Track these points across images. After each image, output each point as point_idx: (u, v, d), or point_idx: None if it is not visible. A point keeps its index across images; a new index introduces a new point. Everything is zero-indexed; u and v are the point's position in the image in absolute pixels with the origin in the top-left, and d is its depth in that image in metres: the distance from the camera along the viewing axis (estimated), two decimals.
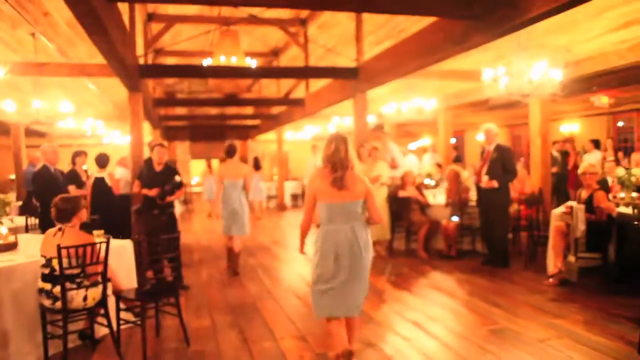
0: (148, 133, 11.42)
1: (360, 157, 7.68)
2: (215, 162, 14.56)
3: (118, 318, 3.85)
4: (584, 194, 5.35)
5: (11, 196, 10.42)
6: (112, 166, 7.81)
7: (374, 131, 10.61)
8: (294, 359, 3.70)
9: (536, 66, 6.68)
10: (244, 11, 7.63)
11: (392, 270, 6.42)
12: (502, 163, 6.34)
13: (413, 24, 7.25)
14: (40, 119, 8.24)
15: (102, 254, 3.59)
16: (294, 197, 16.02)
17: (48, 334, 3.59)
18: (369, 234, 3.39)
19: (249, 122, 16.86)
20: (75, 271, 3.43)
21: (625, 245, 4.93)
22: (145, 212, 5.67)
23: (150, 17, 9.10)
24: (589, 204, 5.16)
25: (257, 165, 13.05)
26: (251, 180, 6.85)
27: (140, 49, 7.83)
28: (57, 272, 3.37)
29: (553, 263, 5.38)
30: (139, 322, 3.81)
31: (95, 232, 4.25)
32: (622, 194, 5.54)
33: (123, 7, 5.95)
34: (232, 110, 15.87)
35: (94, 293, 3.55)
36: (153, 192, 5.53)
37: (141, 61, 7.31)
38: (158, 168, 5.67)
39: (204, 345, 4.00)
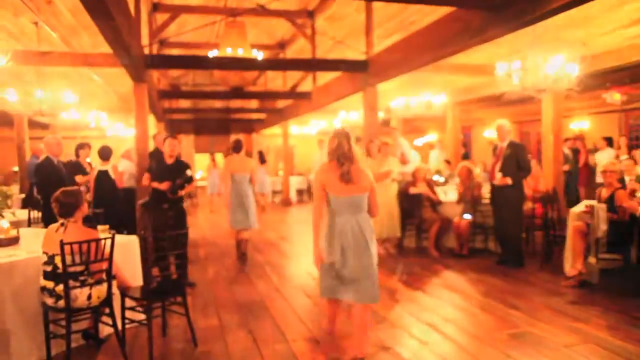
0: (152, 126, 11.24)
1: (370, 153, 7.51)
2: (218, 156, 14.42)
3: (123, 317, 3.69)
4: (604, 192, 5.17)
5: (14, 188, 10.35)
6: (116, 159, 7.67)
7: (383, 126, 10.41)
8: None
9: (552, 60, 6.49)
10: (251, 1, 7.45)
11: (403, 269, 6.26)
12: (515, 160, 6.16)
13: (425, 16, 7.06)
14: (44, 109, 8.08)
15: (107, 250, 3.43)
16: (300, 192, 15.85)
17: (51, 334, 3.44)
18: (371, 223, 3.50)
19: (254, 116, 16.67)
20: (79, 268, 3.27)
21: None
22: (154, 207, 5.49)
23: (156, 7, 8.91)
24: (610, 203, 4.97)
25: (261, 159, 12.95)
26: (257, 174, 7.01)
27: (145, 40, 7.65)
28: (60, 270, 3.21)
29: (571, 264, 5.20)
30: (144, 322, 3.65)
31: (99, 227, 4.11)
32: None
33: None
34: (237, 103, 15.68)
35: (99, 291, 3.39)
36: (164, 186, 5.36)
37: (146, 51, 7.14)
38: (169, 161, 5.51)
39: (212, 346, 3.84)
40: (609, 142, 10.51)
